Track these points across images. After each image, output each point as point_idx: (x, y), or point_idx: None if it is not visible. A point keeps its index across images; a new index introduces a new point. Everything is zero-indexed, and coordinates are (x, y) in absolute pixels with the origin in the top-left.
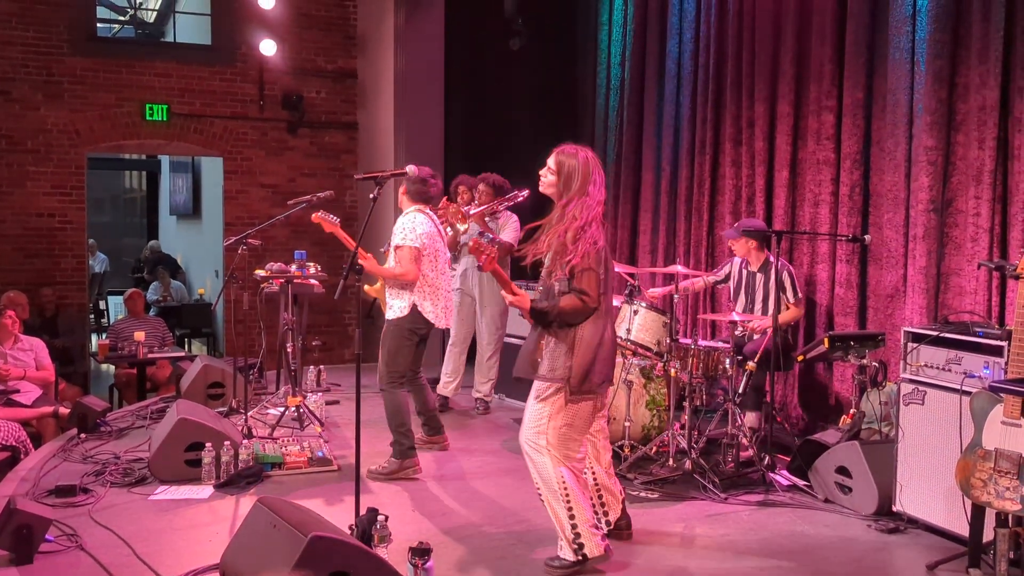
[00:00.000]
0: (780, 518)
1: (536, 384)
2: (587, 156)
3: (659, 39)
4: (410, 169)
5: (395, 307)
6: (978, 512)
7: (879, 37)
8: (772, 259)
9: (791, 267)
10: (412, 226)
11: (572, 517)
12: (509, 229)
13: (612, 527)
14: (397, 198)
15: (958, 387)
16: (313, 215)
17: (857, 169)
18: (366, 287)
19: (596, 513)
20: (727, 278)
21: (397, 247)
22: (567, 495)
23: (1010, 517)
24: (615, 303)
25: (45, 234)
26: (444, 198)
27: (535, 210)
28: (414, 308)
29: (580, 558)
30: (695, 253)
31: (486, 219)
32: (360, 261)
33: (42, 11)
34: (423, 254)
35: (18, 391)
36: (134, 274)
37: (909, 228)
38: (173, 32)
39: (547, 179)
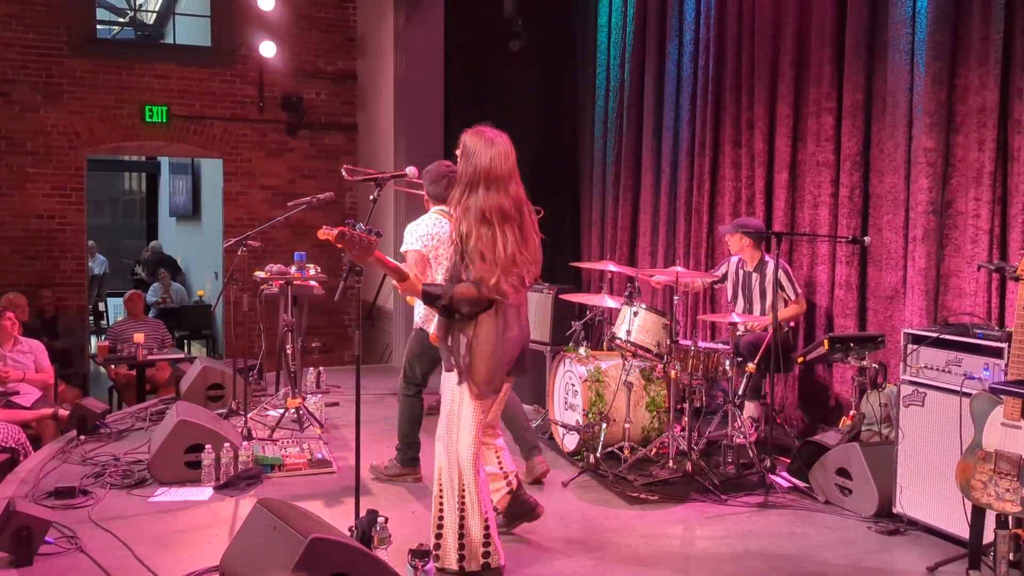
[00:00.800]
0: (780, 520)
1: (449, 375)
2: (490, 138)
3: (659, 41)
4: (409, 171)
5: (417, 313)
6: (978, 514)
7: (878, 39)
8: (768, 259)
9: (787, 264)
10: (414, 228)
11: (462, 525)
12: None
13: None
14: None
15: (958, 389)
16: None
17: (857, 171)
18: (408, 298)
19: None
20: (724, 278)
21: (404, 254)
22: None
23: (1010, 519)
24: (613, 304)
25: (45, 236)
26: None
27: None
28: (428, 318)
29: (459, 569)
30: (695, 254)
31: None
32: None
33: (42, 13)
34: (428, 258)
35: (17, 393)
36: (133, 275)
37: (909, 230)
38: (173, 34)
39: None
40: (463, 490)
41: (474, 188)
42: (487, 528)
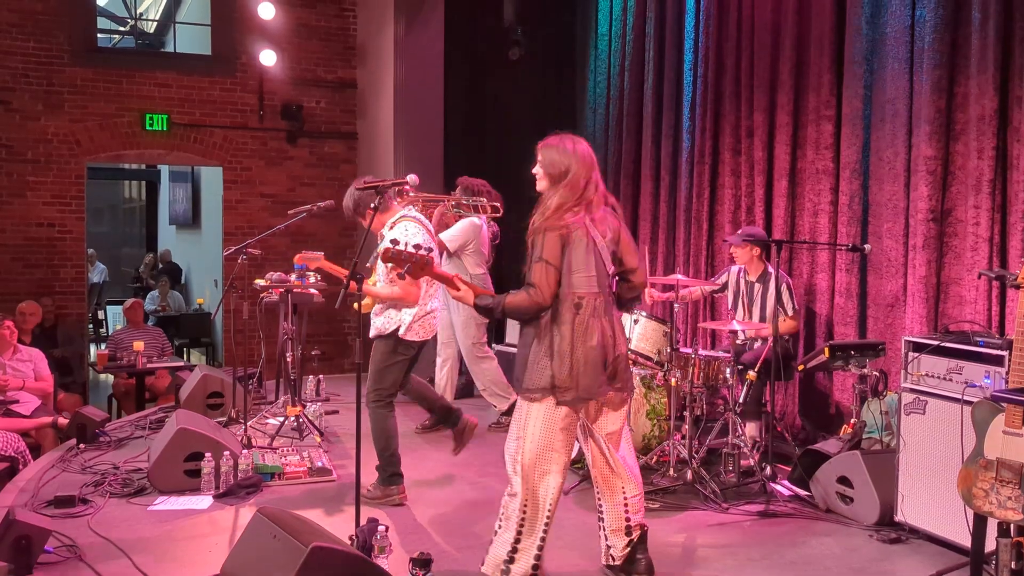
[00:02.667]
0: (782, 528)
1: (525, 399)
2: (567, 144)
3: (658, 49)
4: (411, 179)
5: (378, 325)
6: (980, 522)
7: (877, 47)
8: (771, 270)
9: (789, 279)
10: (407, 235)
11: (515, 548)
12: (452, 228)
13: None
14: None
15: (959, 397)
16: (296, 256)
17: (856, 179)
18: (354, 305)
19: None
20: (724, 287)
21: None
22: (521, 523)
23: (1012, 527)
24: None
25: (44, 244)
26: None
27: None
28: (396, 332)
29: None
30: (695, 262)
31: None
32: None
33: (43, 21)
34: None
35: (17, 401)
36: (137, 283)
37: (909, 237)
38: (173, 42)
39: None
40: (524, 507)
41: (548, 194)
42: (538, 558)
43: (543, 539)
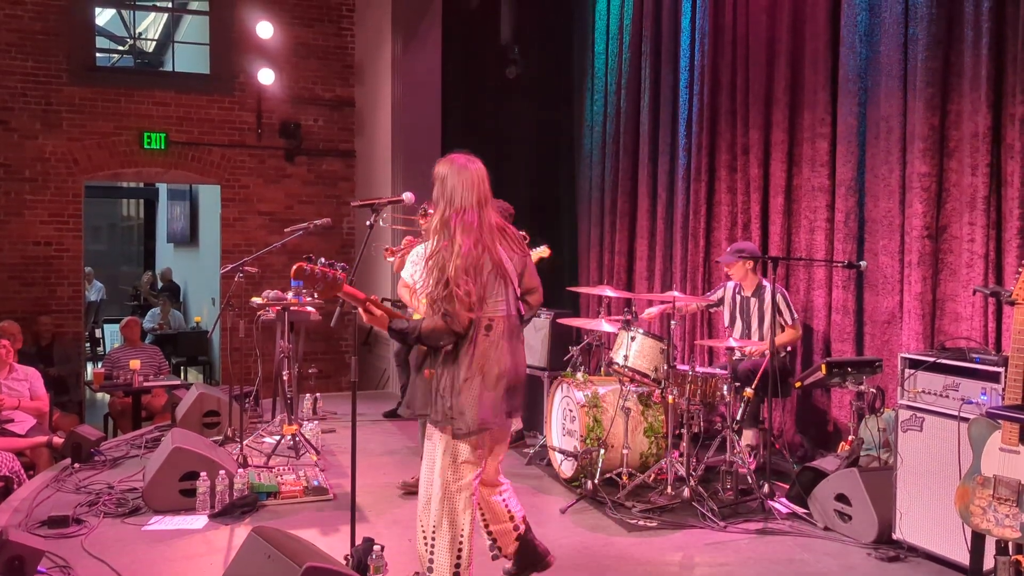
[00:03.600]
0: (780, 546)
1: (430, 430)
2: (450, 165)
3: (654, 67)
4: (407, 196)
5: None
6: (978, 540)
7: (871, 65)
8: (766, 283)
9: (784, 289)
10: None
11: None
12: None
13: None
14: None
15: (956, 413)
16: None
17: (852, 195)
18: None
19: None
20: (720, 302)
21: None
22: (431, 549)
23: (1010, 545)
24: (611, 329)
25: (42, 262)
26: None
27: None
28: None
29: None
30: (692, 279)
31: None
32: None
33: (42, 41)
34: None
35: (12, 420)
36: (136, 301)
37: (904, 254)
38: (172, 61)
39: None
40: (434, 530)
41: (448, 216)
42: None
43: (457, 567)
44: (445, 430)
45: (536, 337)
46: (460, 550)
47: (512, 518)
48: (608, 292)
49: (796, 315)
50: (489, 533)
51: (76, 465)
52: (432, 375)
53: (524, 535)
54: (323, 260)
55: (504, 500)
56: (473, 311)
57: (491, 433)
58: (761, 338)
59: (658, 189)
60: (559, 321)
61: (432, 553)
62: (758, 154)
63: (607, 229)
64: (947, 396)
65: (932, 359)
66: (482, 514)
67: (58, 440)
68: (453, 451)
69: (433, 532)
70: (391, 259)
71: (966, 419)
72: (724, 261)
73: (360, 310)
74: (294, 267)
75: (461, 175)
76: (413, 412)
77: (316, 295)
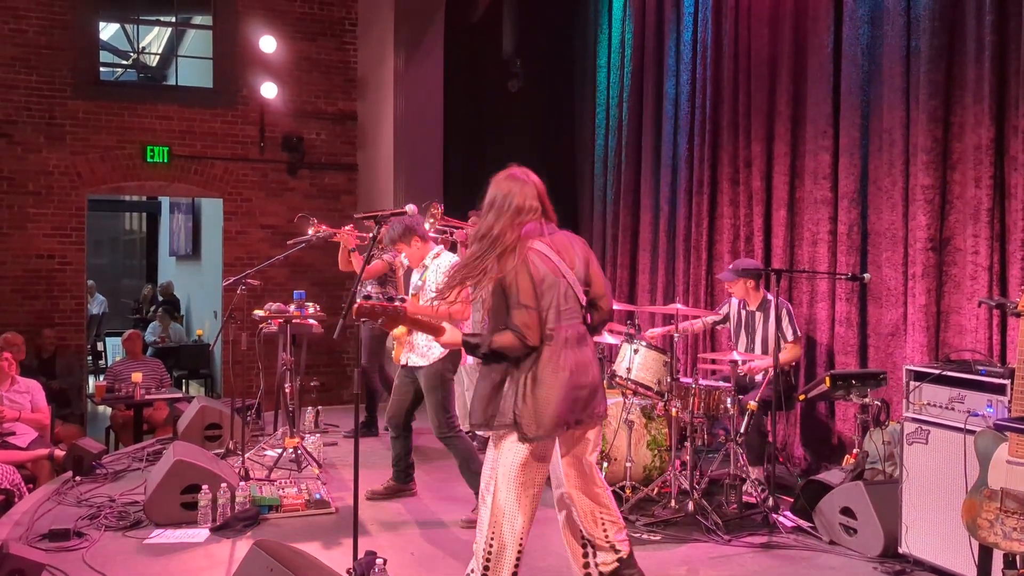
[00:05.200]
0: (785, 560)
1: (494, 434)
2: (508, 179)
3: (656, 81)
4: (410, 208)
5: (434, 350)
6: (985, 553)
7: (874, 77)
8: (770, 297)
9: (789, 305)
10: (455, 263)
11: None
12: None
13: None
14: (406, 259)
15: (962, 426)
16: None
17: (855, 208)
18: (394, 332)
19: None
20: (726, 319)
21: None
22: (487, 559)
23: (1018, 558)
24: (613, 341)
25: (44, 275)
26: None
27: None
28: (444, 356)
29: None
30: (694, 292)
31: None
32: (402, 304)
33: (46, 55)
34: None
35: (13, 433)
36: (137, 314)
37: (908, 266)
38: (175, 75)
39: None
40: (491, 541)
41: (505, 229)
42: None
43: (516, 566)
44: (508, 436)
45: None
46: (519, 554)
47: (614, 547)
48: None
49: (799, 332)
50: (585, 544)
51: (77, 478)
52: (479, 384)
53: (627, 559)
54: (376, 295)
55: (603, 520)
56: (541, 325)
57: (561, 439)
58: (764, 353)
59: (660, 202)
60: None
61: (489, 555)
62: (760, 167)
63: (609, 242)
64: (953, 408)
65: (937, 371)
66: (582, 532)
67: (59, 453)
68: (516, 455)
69: (491, 536)
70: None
71: (972, 431)
72: (724, 279)
73: (432, 335)
74: (355, 307)
75: (519, 188)
76: (479, 422)
77: (383, 327)
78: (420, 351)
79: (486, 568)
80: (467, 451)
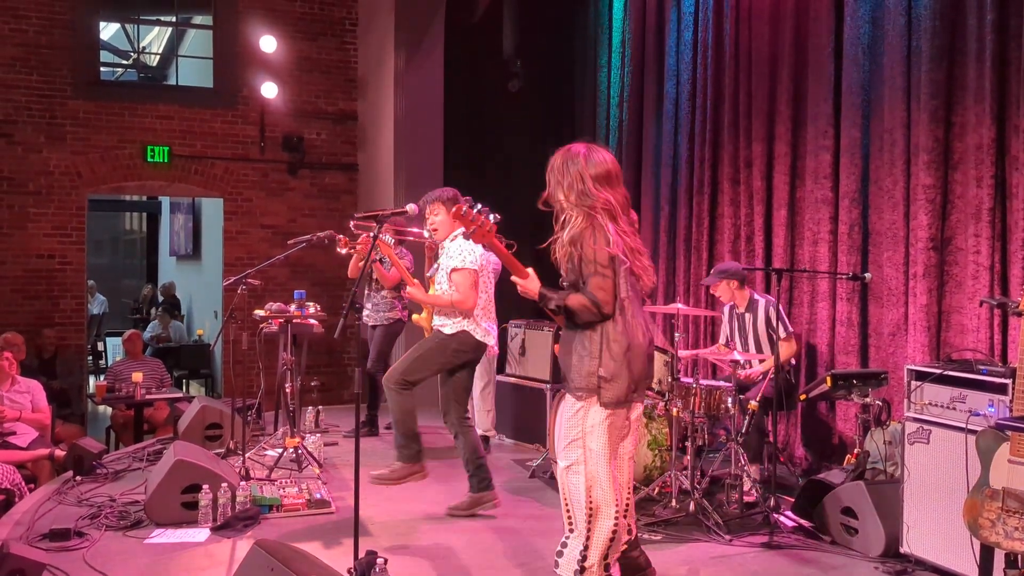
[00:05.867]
0: (786, 560)
1: (567, 397)
2: (568, 153)
3: (657, 81)
4: (410, 208)
5: (443, 325)
6: (987, 553)
7: (875, 77)
8: (757, 296)
9: (774, 300)
10: (471, 248)
11: (586, 548)
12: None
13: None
14: (431, 226)
15: (963, 425)
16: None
17: (856, 208)
18: (413, 316)
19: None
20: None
21: (455, 270)
22: (589, 520)
23: (1019, 558)
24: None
25: (45, 275)
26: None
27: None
28: (463, 331)
29: None
30: (695, 292)
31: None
32: (410, 288)
33: (46, 55)
34: (480, 277)
35: (14, 433)
36: (136, 314)
37: (909, 266)
38: (176, 75)
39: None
40: (590, 504)
41: (581, 202)
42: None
43: (614, 531)
44: (589, 399)
45: (539, 350)
46: (616, 518)
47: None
48: None
49: (790, 328)
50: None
51: (78, 478)
52: (564, 350)
53: (634, 541)
54: (480, 206)
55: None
56: (617, 294)
57: (632, 407)
58: (759, 351)
59: (661, 202)
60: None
61: (570, 519)
62: (761, 167)
63: None
64: (954, 408)
65: (939, 371)
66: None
67: (60, 453)
68: (595, 420)
69: (589, 503)
70: (343, 250)
71: (974, 431)
72: (707, 283)
73: (513, 271)
74: (454, 208)
75: (589, 161)
76: (569, 387)
77: (472, 237)
78: (437, 324)
79: (588, 536)
80: (407, 410)
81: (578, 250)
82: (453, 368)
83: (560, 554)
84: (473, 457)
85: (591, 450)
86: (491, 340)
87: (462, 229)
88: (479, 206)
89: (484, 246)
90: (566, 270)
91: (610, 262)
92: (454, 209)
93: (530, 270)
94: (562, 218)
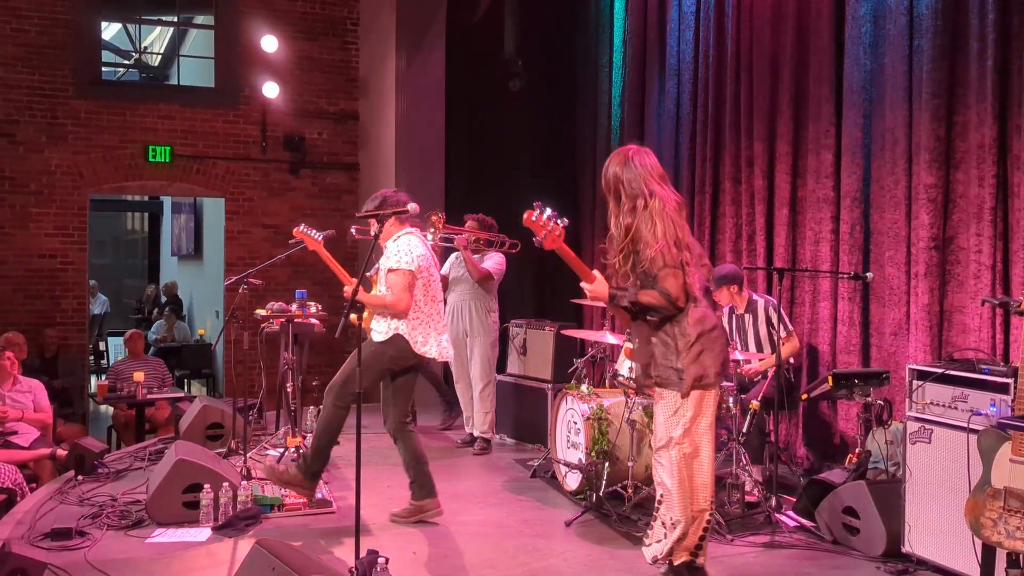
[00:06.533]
0: (787, 560)
1: (658, 393)
2: (623, 156)
3: (658, 80)
4: (411, 207)
5: (378, 331)
6: (989, 553)
7: (876, 77)
8: (756, 297)
9: (774, 300)
10: (408, 247)
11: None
12: (490, 260)
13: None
14: (381, 231)
15: (965, 425)
16: (295, 229)
17: (857, 207)
18: (352, 316)
19: None
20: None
21: (391, 270)
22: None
23: (1021, 557)
24: (615, 340)
25: (46, 275)
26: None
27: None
28: (398, 336)
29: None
30: None
31: (468, 247)
32: (347, 287)
33: (48, 55)
34: (417, 279)
35: (16, 433)
36: (138, 314)
37: (911, 265)
38: (177, 75)
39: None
40: (683, 502)
41: (639, 201)
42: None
43: (707, 522)
44: (676, 390)
45: (540, 349)
46: (706, 504)
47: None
48: None
49: (790, 326)
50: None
51: (79, 477)
52: (641, 347)
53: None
54: (549, 211)
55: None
56: (686, 290)
57: (715, 390)
58: (759, 350)
59: None
60: (563, 333)
61: (660, 506)
62: (762, 166)
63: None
64: (956, 408)
65: (941, 370)
66: None
67: (61, 452)
68: (686, 407)
69: (678, 491)
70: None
71: (975, 431)
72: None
73: (579, 272)
74: (525, 213)
75: (641, 163)
76: (645, 383)
77: (543, 243)
78: (373, 329)
79: (674, 524)
80: (331, 422)
81: (642, 247)
82: (395, 374)
83: (647, 536)
84: (413, 463)
85: (687, 436)
86: (431, 351)
87: (406, 230)
88: (548, 211)
89: (555, 251)
90: (626, 269)
91: (677, 256)
92: (525, 214)
93: (596, 272)
94: (619, 218)
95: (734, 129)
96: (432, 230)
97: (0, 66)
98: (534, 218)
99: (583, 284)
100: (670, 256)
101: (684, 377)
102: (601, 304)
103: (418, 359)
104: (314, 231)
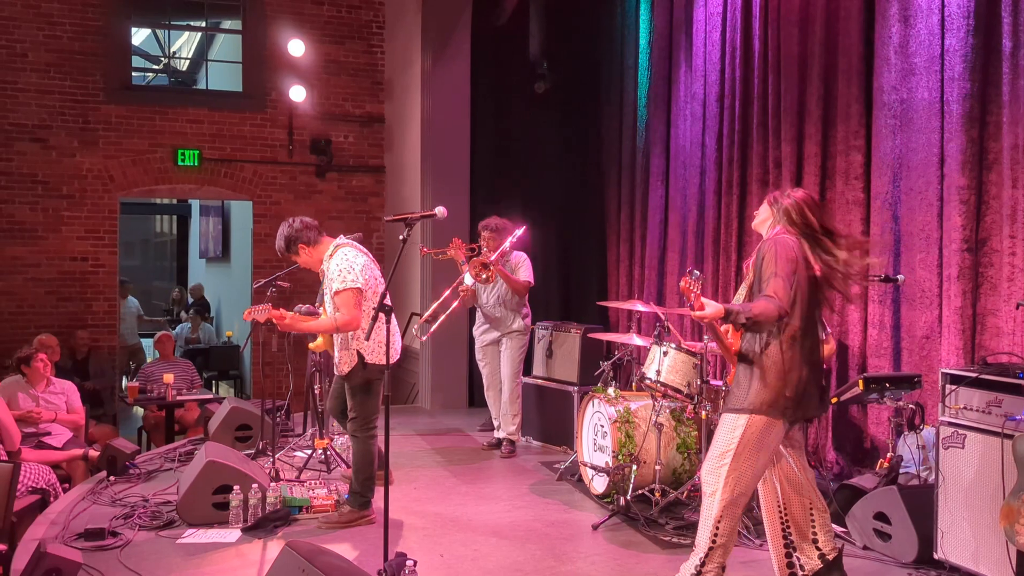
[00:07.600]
0: None
1: (723, 414)
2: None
3: (684, 82)
4: (440, 211)
5: (347, 361)
6: (1023, 559)
7: (906, 77)
8: None
9: None
10: (348, 263)
11: (703, 563)
12: (523, 269)
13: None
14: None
15: (999, 430)
16: (244, 313)
17: (887, 209)
18: (310, 344)
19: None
20: None
21: (337, 292)
22: (713, 541)
23: None
24: (642, 343)
25: (78, 277)
26: (461, 244)
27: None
28: (361, 355)
29: None
30: (724, 294)
31: (504, 264)
32: (288, 319)
33: (79, 61)
34: (365, 292)
35: (49, 434)
36: (167, 315)
37: (943, 268)
38: (205, 79)
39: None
40: (718, 524)
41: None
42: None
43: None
44: (741, 414)
45: (566, 352)
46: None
47: (819, 549)
48: (639, 307)
49: (829, 328)
50: (788, 542)
51: (111, 478)
52: (741, 369)
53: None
54: (697, 273)
55: (811, 514)
56: (789, 295)
57: (783, 426)
58: None
59: (688, 203)
60: (590, 336)
61: (718, 525)
62: (790, 167)
63: (637, 243)
64: (990, 413)
65: (974, 375)
66: (784, 523)
67: (94, 453)
68: (744, 435)
69: (719, 518)
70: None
71: (1010, 436)
72: None
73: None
74: (682, 281)
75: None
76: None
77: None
78: (341, 361)
79: (710, 548)
80: (365, 450)
81: (765, 260)
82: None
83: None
84: (363, 467)
85: (735, 462)
86: (382, 358)
87: (337, 241)
88: (696, 273)
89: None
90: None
91: (789, 267)
92: (682, 282)
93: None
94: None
95: (761, 130)
96: (452, 252)
97: (33, 72)
98: (687, 285)
99: (695, 314)
100: (782, 265)
101: (755, 405)
102: None
103: (382, 372)
104: (260, 306)
